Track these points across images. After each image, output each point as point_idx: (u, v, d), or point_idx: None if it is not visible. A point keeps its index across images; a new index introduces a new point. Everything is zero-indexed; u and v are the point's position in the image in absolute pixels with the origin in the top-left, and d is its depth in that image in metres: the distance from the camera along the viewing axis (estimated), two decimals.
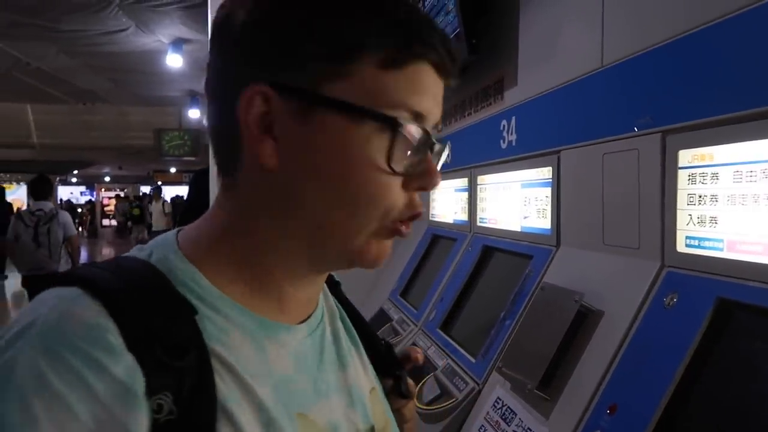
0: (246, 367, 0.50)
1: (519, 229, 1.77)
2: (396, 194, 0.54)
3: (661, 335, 1.00)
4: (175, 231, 0.58)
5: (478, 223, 2.11)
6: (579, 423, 1.06)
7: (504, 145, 1.87)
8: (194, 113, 11.08)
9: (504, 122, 1.88)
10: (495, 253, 1.93)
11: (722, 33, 0.95)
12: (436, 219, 2.63)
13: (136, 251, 0.55)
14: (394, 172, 0.53)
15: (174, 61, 7.12)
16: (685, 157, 1.04)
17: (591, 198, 1.35)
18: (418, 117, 0.54)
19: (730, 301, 0.92)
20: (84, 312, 0.44)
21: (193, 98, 10.49)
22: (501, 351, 1.46)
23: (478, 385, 1.48)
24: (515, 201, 1.80)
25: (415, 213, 0.56)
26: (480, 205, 2.11)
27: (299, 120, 0.51)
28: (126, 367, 0.43)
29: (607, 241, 1.29)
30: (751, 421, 0.81)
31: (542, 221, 1.62)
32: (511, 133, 1.82)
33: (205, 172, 2.80)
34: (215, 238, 0.56)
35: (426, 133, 0.54)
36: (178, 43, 6.84)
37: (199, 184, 3.11)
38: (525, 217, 1.73)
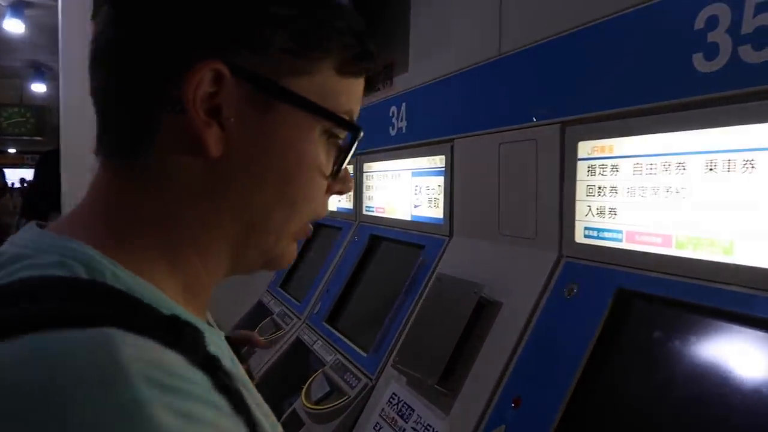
0: (235, 375, 0.45)
1: (409, 218, 1.73)
2: (323, 197, 0.55)
3: (562, 326, 1.00)
4: (56, 228, 0.46)
5: (365, 212, 2.05)
6: (482, 417, 1.04)
7: (393, 132, 1.82)
8: (38, 87, 9.88)
9: (393, 108, 1.83)
10: (383, 243, 1.88)
11: (623, 27, 0.96)
12: None
13: (40, 268, 0.40)
14: (332, 176, 0.54)
15: (13, 26, 6.30)
16: (585, 148, 1.05)
17: (486, 187, 1.34)
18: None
19: (629, 291, 0.93)
20: (164, 356, 0.36)
21: (37, 71, 9.34)
22: (394, 345, 1.42)
23: (371, 380, 1.42)
24: (405, 190, 1.76)
25: (323, 215, 0.57)
26: (366, 193, 2.05)
27: (255, 110, 0.47)
28: (223, 402, 0.38)
29: (503, 231, 1.29)
30: (653, 408, 0.82)
31: (434, 210, 1.59)
32: (402, 120, 1.78)
33: (55, 153, 2.49)
34: (136, 237, 0.46)
35: (356, 140, 0.54)
36: (18, 6, 6.05)
37: (47, 166, 2.76)
38: (416, 206, 1.70)
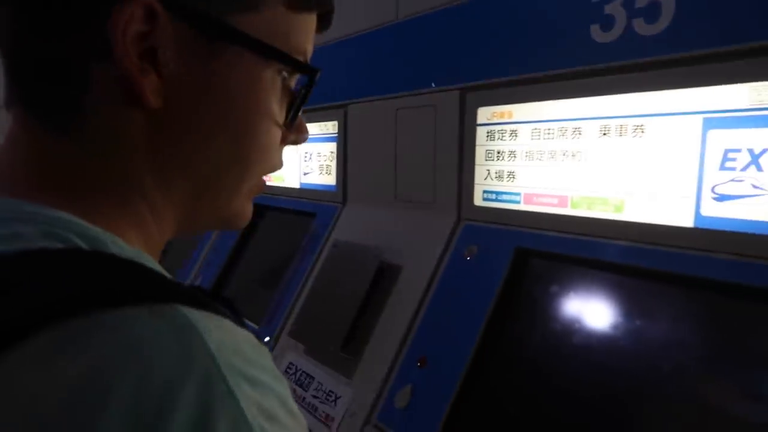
0: None
1: (298, 186, 1.69)
2: (278, 149, 0.50)
3: (463, 286, 1.04)
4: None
5: None
6: (387, 379, 1.05)
7: None
8: None
9: None
10: (270, 213, 1.82)
11: None
12: None
13: (30, 239, 0.34)
14: (286, 124, 0.49)
15: None
16: (484, 114, 1.08)
17: (382, 153, 1.34)
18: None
19: (527, 249, 0.98)
20: (238, 336, 0.35)
21: None
22: (289, 314, 1.38)
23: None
24: (293, 156, 1.71)
25: (280, 168, 0.52)
26: None
27: (197, 53, 0.41)
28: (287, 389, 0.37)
29: (399, 197, 1.30)
30: (552, 357, 0.88)
31: (326, 177, 1.56)
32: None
33: None
34: (91, 201, 0.40)
35: (313, 83, 0.49)
36: None
37: None
38: (305, 174, 1.66)
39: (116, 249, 0.37)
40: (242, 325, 0.37)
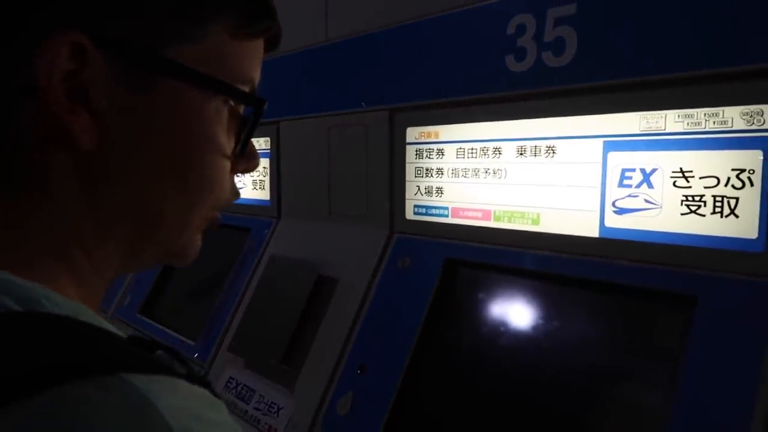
0: None
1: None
2: (228, 179, 0.48)
3: (398, 295, 1.11)
4: None
5: None
6: (328, 388, 1.10)
7: None
8: None
9: None
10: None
11: (447, 25, 1.07)
12: None
13: None
14: (235, 155, 0.47)
15: None
16: (413, 134, 1.16)
17: (316, 169, 1.39)
18: (253, 91, 0.49)
19: (456, 260, 1.06)
20: (192, 396, 0.34)
21: None
22: (227, 329, 1.40)
23: (203, 368, 1.39)
24: None
25: (235, 198, 0.51)
26: None
27: (132, 88, 0.39)
28: None
29: (333, 212, 1.35)
30: (482, 359, 0.96)
31: (260, 193, 1.59)
32: None
33: None
34: (23, 249, 0.38)
35: (261, 113, 0.48)
36: None
37: None
38: (239, 189, 1.67)
39: (51, 306, 0.34)
40: (190, 371, 0.38)
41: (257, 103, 0.46)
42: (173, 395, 0.31)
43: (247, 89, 0.46)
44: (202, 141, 0.44)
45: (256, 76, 0.48)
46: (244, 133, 0.47)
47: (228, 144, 0.46)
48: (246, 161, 0.50)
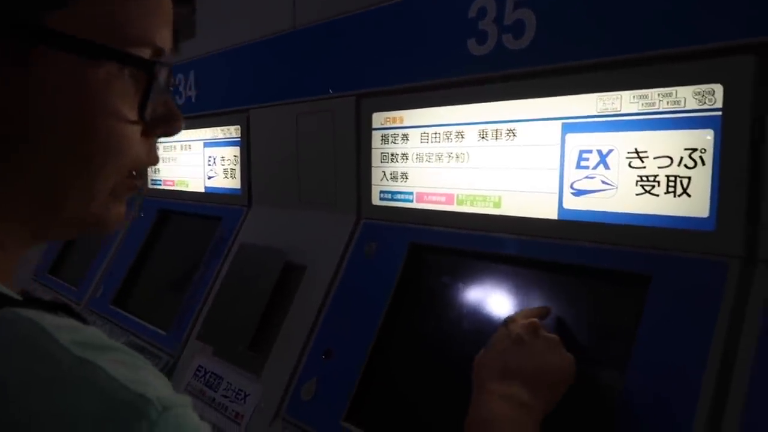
0: None
1: (203, 190, 1.69)
2: (138, 145, 0.46)
3: (364, 280, 1.10)
4: None
5: (151, 186, 1.94)
6: (294, 373, 1.10)
7: (182, 102, 1.75)
8: None
9: (181, 76, 1.75)
10: (174, 217, 1.81)
11: (409, 11, 1.07)
12: None
13: None
14: (140, 121, 0.45)
15: None
16: (378, 119, 1.15)
17: (285, 157, 1.38)
18: (158, 52, 0.47)
19: (420, 244, 1.06)
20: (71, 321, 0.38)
21: None
22: (197, 318, 1.39)
23: (172, 357, 1.38)
24: (197, 161, 1.71)
25: (154, 163, 0.50)
26: (153, 166, 1.93)
27: (10, 60, 0.38)
28: None
29: (302, 199, 1.35)
30: (446, 343, 0.96)
31: (231, 181, 1.58)
32: (191, 89, 1.72)
33: None
34: None
35: (170, 72, 0.47)
36: None
37: None
38: (210, 177, 1.67)
39: None
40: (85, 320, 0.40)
41: (148, 66, 0.44)
42: (67, 328, 0.34)
43: (147, 52, 0.44)
44: (95, 109, 0.42)
45: (160, 37, 0.45)
46: (155, 95, 0.46)
47: (130, 108, 0.44)
48: (165, 124, 0.48)
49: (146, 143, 0.47)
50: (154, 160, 0.49)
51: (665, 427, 0.68)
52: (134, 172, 0.48)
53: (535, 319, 0.73)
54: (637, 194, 0.81)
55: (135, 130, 0.45)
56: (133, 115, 0.44)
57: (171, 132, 0.49)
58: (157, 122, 0.47)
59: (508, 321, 0.75)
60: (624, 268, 0.81)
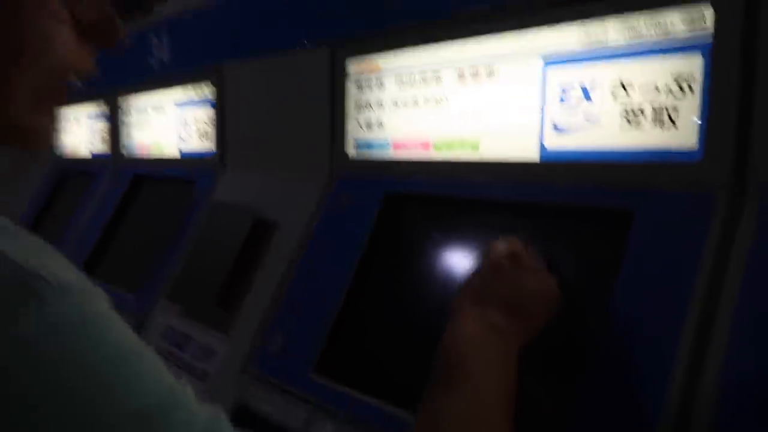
0: None
1: (177, 155, 1.63)
2: (68, 48, 0.44)
3: (338, 234, 1.05)
4: None
5: (125, 154, 1.87)
6: (262, 328, 1.05)
7: (154, 63, 1.68)
8: None
9: (153, 37, 1.68)
10: (148, 184, 1.75)
11: None
12: (66, 154, 2.25)
13: None
14: (72, 21, 0.44)
15: None
16: (353, 67, 1.10)
17: (258, 114, 1.33)
18: None
19: (396, 195, 1.02)
20: None
21: None
22: (167, 280, 1.34)
23: (140, 320, 1.33)
24: (171, 124, 1.65)
25: (86, 69, 0.47)
26: (126, 131, 1.87)
27: None
28: None
29: (277, 155, 1.29)
30: (419, 293, 0.92)
31: (205, 143, 1.52)
32: (163, 50, 1.65)
33: None
34: None
35: None
36: None
37: None
38: (184, 141, 1.61)
39: None
40: None
41: None
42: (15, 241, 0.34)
43: None
44: (8, 6, 0.39)
45: None
46: None
47: (65, 7, 0.42)
48: (101, 32, 0.46)
49: (81, 49, 0.45)
50: (86, 66, 0.46)
51: (647, 367, 0.63)
52: (64, 80, 0.45)
53: (517, 245, 0.69)
54: (621, 128, 0.76)
55: (65, 31, 0.43)
56: (64, 14, 0.42)
57: (109, 42, 0.47)
58: (93, 29, 0.45)
59: (489, 250, 0.71)
60: (605, 206, 0.76)
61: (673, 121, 0.72)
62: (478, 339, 0.58)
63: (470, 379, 0.55)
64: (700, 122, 0.70)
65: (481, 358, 0.57)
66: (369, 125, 1.08)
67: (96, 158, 2.05)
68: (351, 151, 1.12)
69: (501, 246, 0.69)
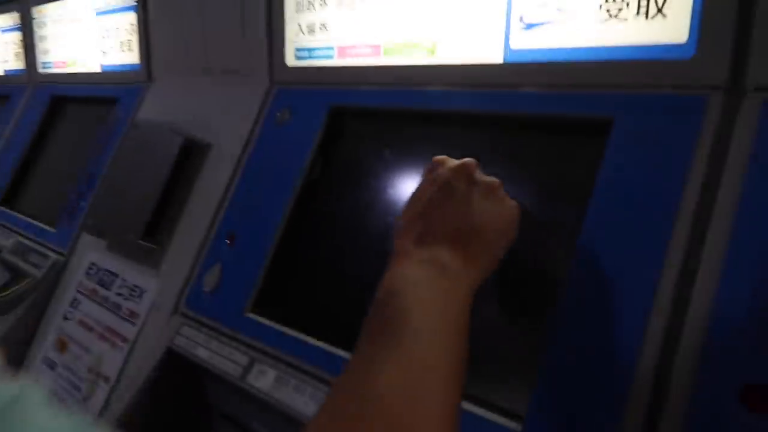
0: None
1: (99, 70, 1.44)
2: None
3: (276, 154, 0.93)
4: None
5: (41, 70, 1.66)
6: (195, 264, 0.93)
7: None
8: None
9: None
10: (69, 104, 1.56)
11: None
12: None
13: None
14: None
15: None
16: None
17: (187, 20, 1.15)
18: None
19: (342, 107, 0.89)
20: None
21: None
22: (90, 210, 1.20)
23: (63, 256, 1.19)
24: (90, 35, 1.45)
25: None
26: (41, 46, 1.65)
27: None
28: None
29: (209, 67, 1.14)
30: (367, 220, 0.81)
31: (128, 55, 1.34)
32: None
33: None
34: None
35: None
36: None
37: None
38: (105, 54, 1.42)
39: None
40: None
41: None
42: None
43: None
44: None
45: None
46: None
47: None
48: None
49: None
50: None
51: (627, 302, 0.55)
52: None
53: (468, 160, 0.57)
54: (600, 22, 0.65)
55: None
56: None
57: None
58: None
59: (434, 165, 0.59)
60: (580, 114, 0.66)
61: (660, 10, 0.61)
62: (419, 284, 0.47)
63: (407, 336, 0.43)
64: (692, 13, 0.59)
65: (422, 309, 0.45)
66: (311, 29, 0.93)
67: (9, 76, 1.82)
68: (291, 59, 0.98)
69: (449, 162, 0.57)
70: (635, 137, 0.60)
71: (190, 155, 1.04)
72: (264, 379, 0.73)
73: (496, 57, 0.73)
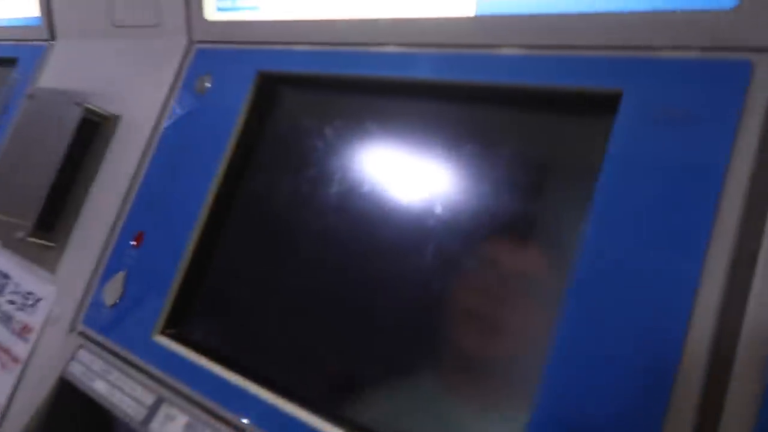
0: None
1: None
2: None
3: (195, 131, 0.75)
4: None
5: None
6: (97, 266, 0.76)
7: None
8: None
9: None
10: None
11: None
12: None
13: None
14: None
15: None
16: None
17: None
18: None
19: (272, 73, 0.71)
20: None
21: None
22: None
23: None
24: None
25: None
26: None
27: None
28: None
29: (118, 23, 0.93)
30: (305, 214, 0.65)
31: (27, 8, 1.12)
32: None
33: None
34: None
35: None
36: None
37: None
38: (1, 7, 1.19)
39: None
40: None
41: None
42: None
43: None
44: None
45: None
46: None
47: None
48: None
49: None
50: None
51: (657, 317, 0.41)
52: None
53: None
54: None
55: None
56: None
57: None
58: None
59: None
60: (577, 84, 0.50)
61: None
62: None
63: None
64: None
65: None
66: None
67: None
68: (211, 11, 0.78)
69: None
70: (652, 117, 0.45)
71: (95, 131, 0.85)
72: (172, 427, 0.57)
73: (467, 9, 0.56)
